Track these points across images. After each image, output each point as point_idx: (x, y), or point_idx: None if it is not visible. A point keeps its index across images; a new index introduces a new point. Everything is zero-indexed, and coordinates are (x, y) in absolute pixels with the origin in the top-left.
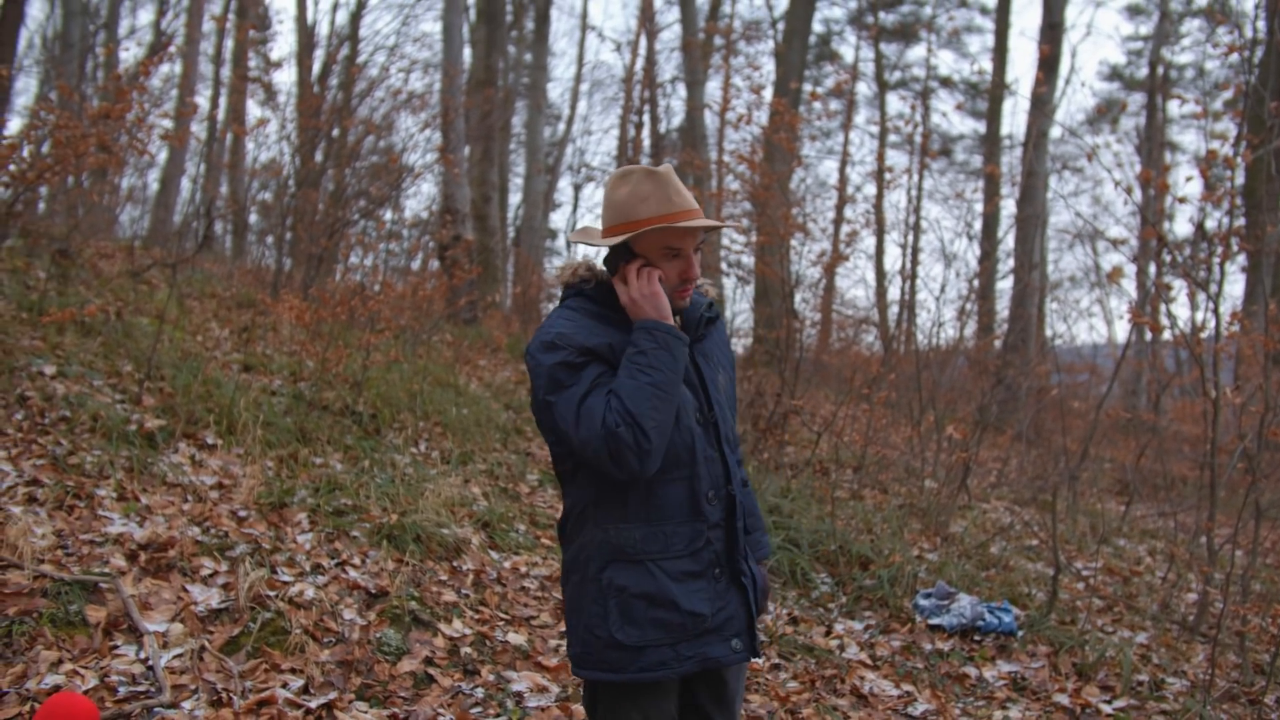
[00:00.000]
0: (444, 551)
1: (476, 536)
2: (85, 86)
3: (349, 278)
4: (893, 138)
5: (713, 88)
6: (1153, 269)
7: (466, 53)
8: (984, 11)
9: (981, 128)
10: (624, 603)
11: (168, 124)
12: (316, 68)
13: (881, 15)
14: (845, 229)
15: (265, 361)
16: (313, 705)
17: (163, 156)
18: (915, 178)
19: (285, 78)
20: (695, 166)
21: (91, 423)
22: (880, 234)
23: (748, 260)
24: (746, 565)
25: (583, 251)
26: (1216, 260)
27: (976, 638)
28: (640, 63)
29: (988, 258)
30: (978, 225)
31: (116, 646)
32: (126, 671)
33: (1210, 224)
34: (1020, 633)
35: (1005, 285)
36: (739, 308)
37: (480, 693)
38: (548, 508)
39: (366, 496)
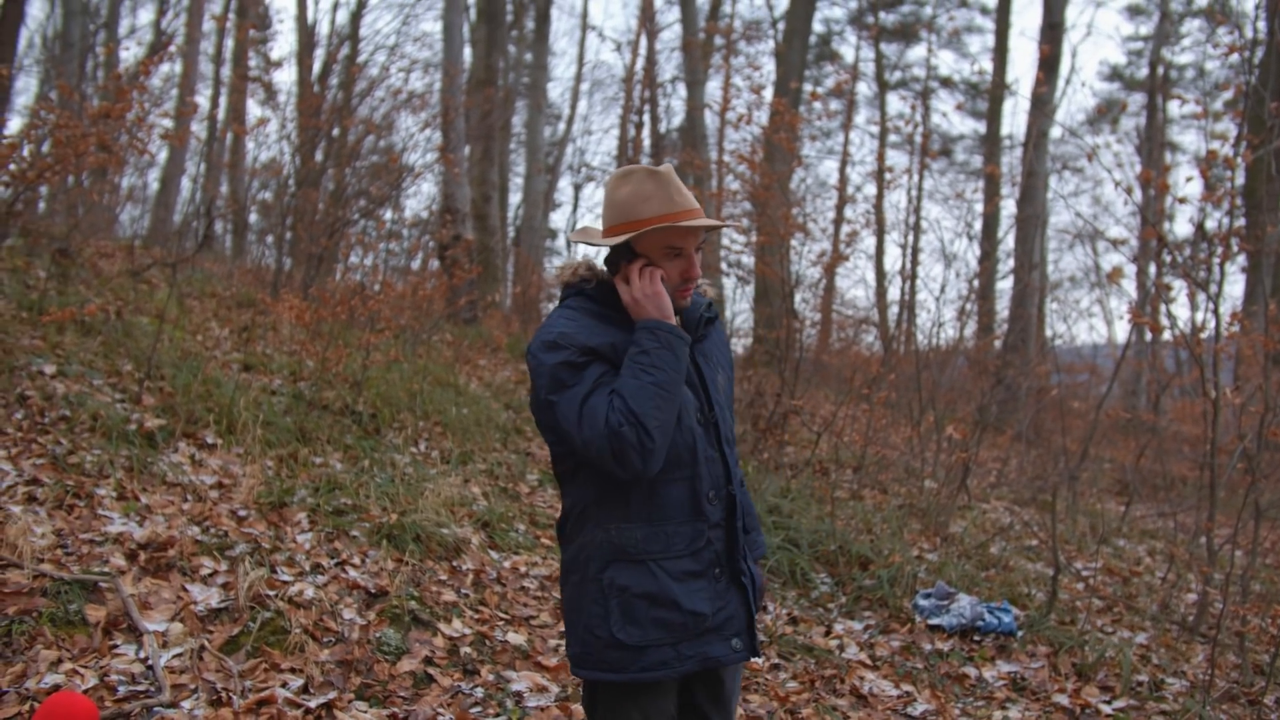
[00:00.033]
0: (444, 551)
1: (476, 536)
2: (85, 86)
3: (349, 277)
4: (893, 138)
5: (713, 88)
6: (1153, 269)
7: (467, 52)
8: (984, 11)
9: (982, 128)
10: (625, 602)
11: (168, 123)
12: (317, 67)
13: (882, 15)
14: (845, 229)
15: (265, 361)
16: (312, 705)
17: (163, 156)
18: (915, 178)
19: (285, 77)
20: (695, 166)
21: (91, 422)
22: (880, 234)
23: (748, 260)
24: (745, 565)
25: (583, 251)
26: (1216, 260)
27: (976, 638)
28: (640, 62)
29: (988, 258)
30: (978, 225)
31: (116, 646)
32: (126, 671)
33: (1210, 224)
34: (1020, 633)
35: (1005, 285)
36: (739, 308)
37: (480, 692)
38: (547, 507)
39: (366, 496)
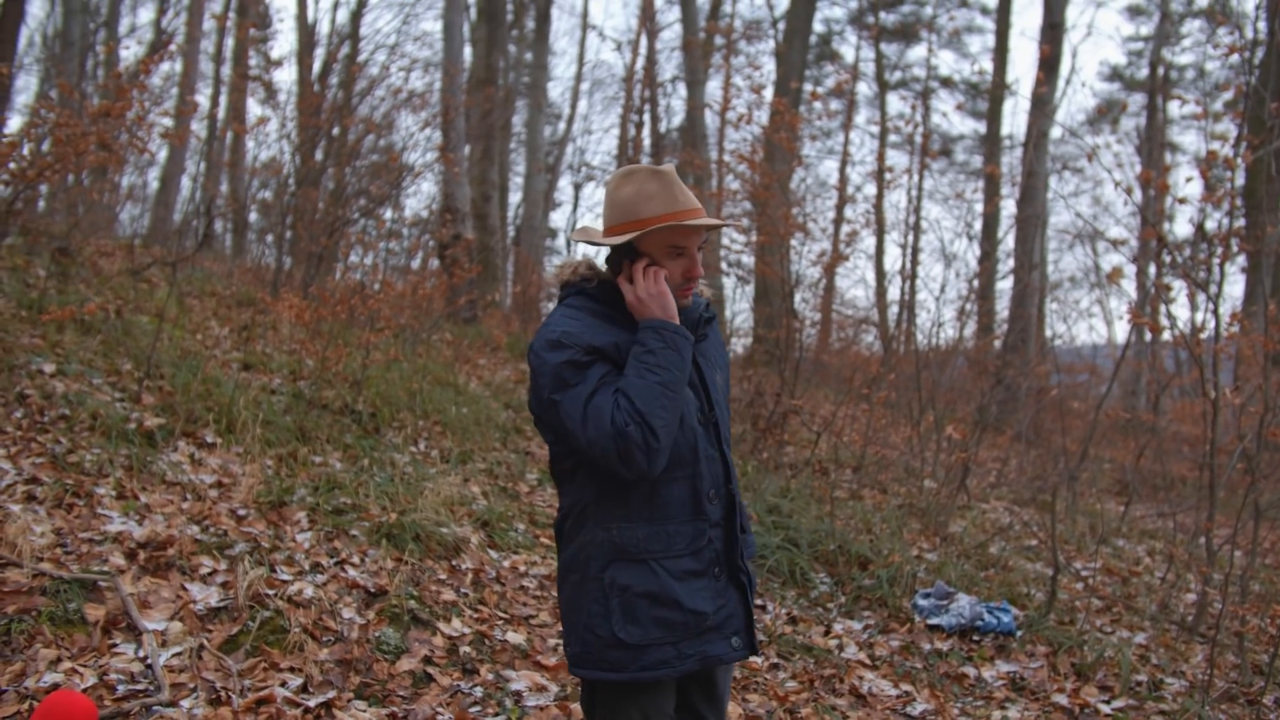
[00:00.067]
0: (443, 550)
1: (475, 535)
2: (85, 85)
3: (349, 276)
4: (893, 138)
5: (713, 87)
6: (1153, 270)
7: (467, 51)
8: (984, 12)
9: (982, 128)
10: (626, 602)
11: (168, 122)
12: (317, 66)
13: (882, 15)
14: (845, 229)
15: (265, 360)
16: (311, 704)
17: (163, 155)
18: (915, 178)
19: (285, 76)
20: (695, 166)
21: (91, 421)
22: (880, 234)
23: (748, 260)
24: (743, 563)
25: (582, 250)
26: (1216, 261)
27: (975, 638)
28: (641, 62)
29: (988, 258)
30: (978, 225)
31: (115, 645)
32: (125, 670)
33: (1210, 225)
34: (1019, 633)
35: (1005, 285)
36: (739, 307)
37: (479, 692)
38: (547, 507)
39: (366, 495)
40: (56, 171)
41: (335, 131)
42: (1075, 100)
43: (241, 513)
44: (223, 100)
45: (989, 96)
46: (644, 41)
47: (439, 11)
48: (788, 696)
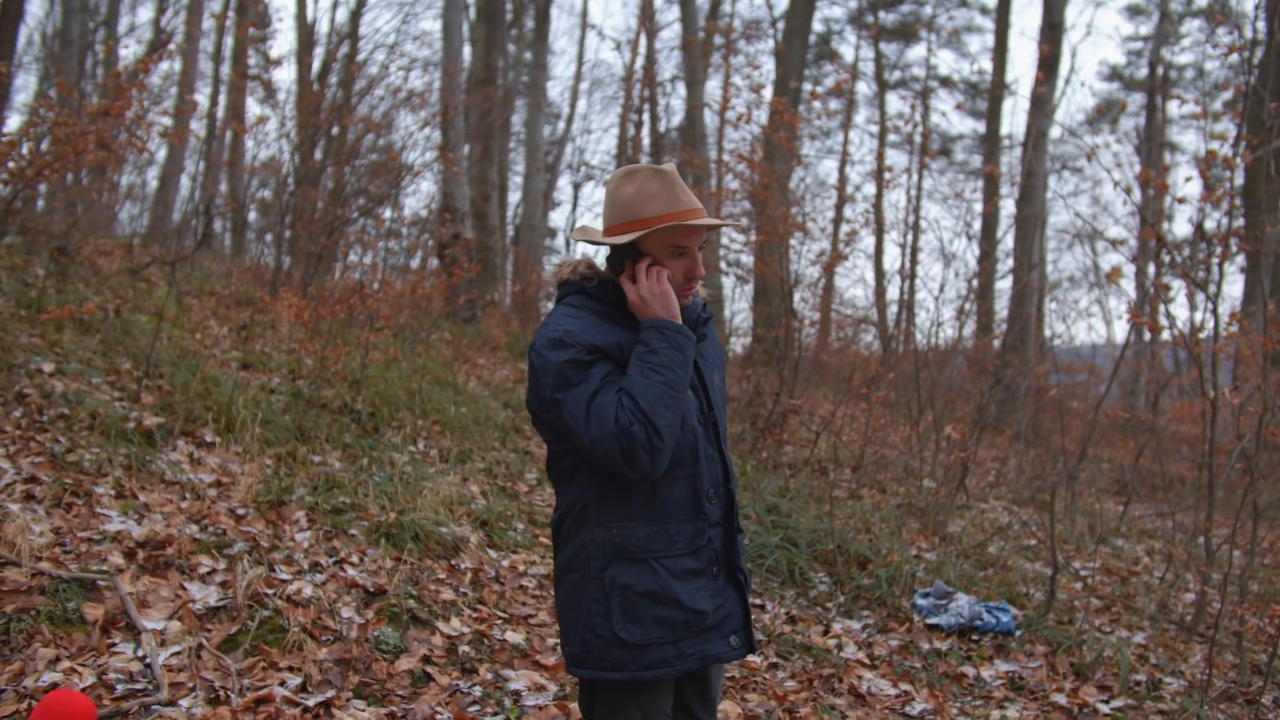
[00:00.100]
0: (442, 550)
1: (475, 535)
2: (84, 84)
3: (348, 276)
4: (892, 137)
5: (712, 87)
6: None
7: (466, 51)
8: (984, 11)
9: (981, 127)
10: (627, 601)
11: (167, 121)
12: (316, 65)
13: (881, 15)
14: (844, 228)
15: (264, 359)
16: (310, 703)
17: (162, 154)
18: (915, 177)
19: (285, 75)
20: (695, 165)
21: (90, 420)
22: (879, 233)
23: (747, 259)
24: (740, 562)
25: (581, 249)
26: (1215, 261)
27: (974, 637)
28: (640, 61)
29: (987, 258)
30: (977, 225)
31: (114, 644)
32: (124, 669)
33: (1209, 224)
34: (1018, 632)
35: (1004, 285)
36: (738, 307)
37: (478, 691)
38: (546, 506)
39: (365, 495)
40: (55, 170)
41: (334, 131)
42: (1074, 100)
43: (240, 512)
44: (222, 99)
45: (988, 96)
46: (643, 41)
47: (438, 11)
48: (787, 696)
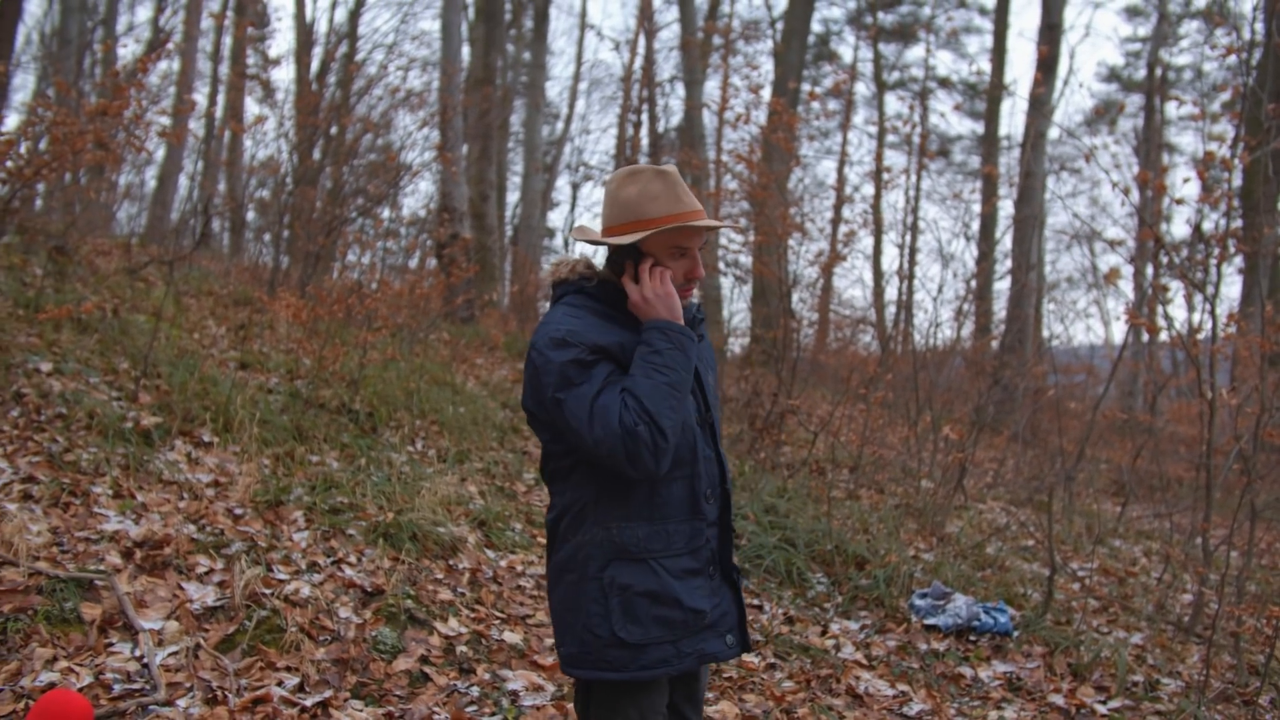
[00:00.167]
0: (440, 550)
1: (473, 535)
2: (83, 83)
3: (346, 275)
4: (891, 138)
5: (711, 87)
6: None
7: (465, 51)
8: (983, 12)
9: (980, 128)
10: (627, 601)
11: (165, 121)
12: (315, 65)
13: (880, 15)
14: (843, 229)
15: (262, 359)
16: (308, 703)
17: (160, 154)
18: (913, 178)
19: (283, 75)
20: (693, 166)
21: (88, 420)
22: (878, 234)
23: (745, 260)
24: (734, 562)
25: (579, 249)
26: (1213, 262)
27: (972, 638)
28: (639, 62)
29: (985, 258)
30: (975, 226)
31: (111, 644)
32: (121, 669)
33: (1207, 225)
34: (1016, 633)
35: (1002, 286)
36: (736, 307)
37: (476, 691)
38: (544, 506)
39: (363, 495)
40: (53, 170)
41: (333, 130)
42: (1073, 101)
43: (238, 512)
44: (220, 99)
45: (987, 97)
46: (642, 41)
47: (437, 10)
48: (784, 696)
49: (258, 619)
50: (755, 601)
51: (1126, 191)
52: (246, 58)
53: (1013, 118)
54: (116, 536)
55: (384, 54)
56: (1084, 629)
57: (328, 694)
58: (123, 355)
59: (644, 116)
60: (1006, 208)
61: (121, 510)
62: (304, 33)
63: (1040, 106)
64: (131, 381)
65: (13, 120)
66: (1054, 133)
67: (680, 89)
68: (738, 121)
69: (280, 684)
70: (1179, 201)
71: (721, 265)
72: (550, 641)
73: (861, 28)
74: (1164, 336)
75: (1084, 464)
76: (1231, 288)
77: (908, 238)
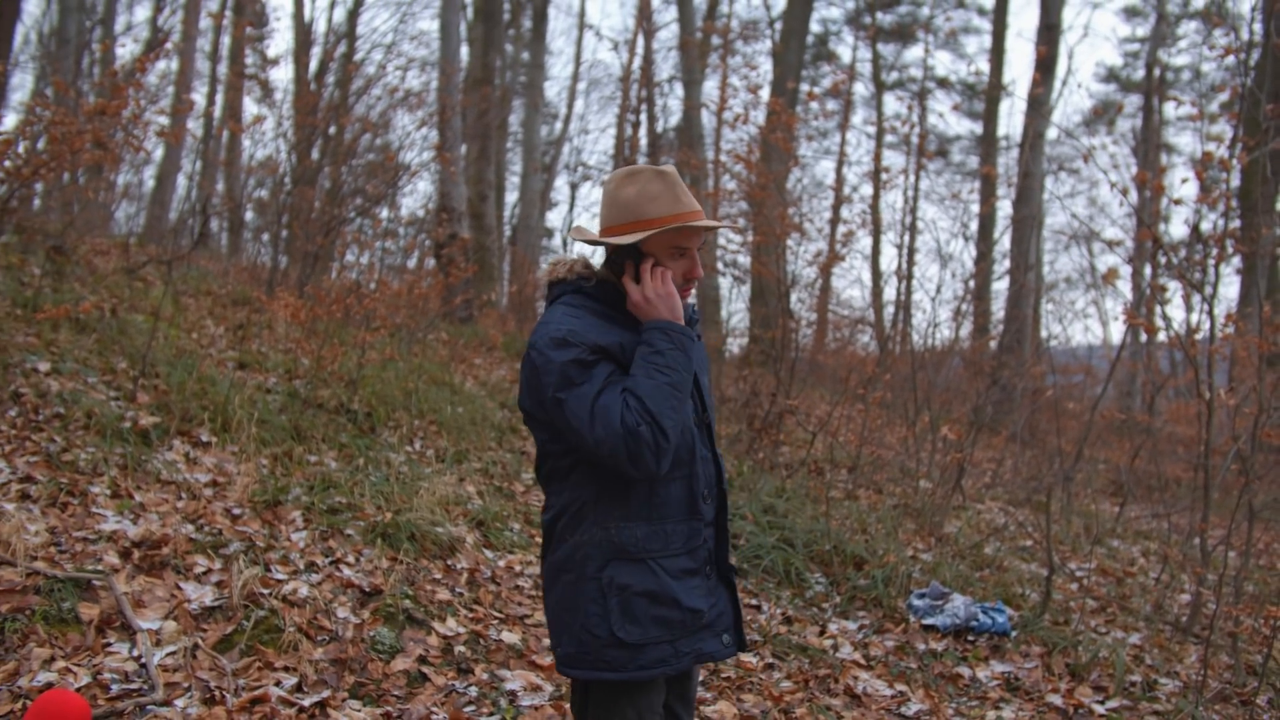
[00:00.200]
0: (438, 550)
1: (471, 535)
2: (81, 83)
3: (345, 275)
4: (889, 138)
5: (710, 87)
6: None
7: (464, 51)
8: (981, 13)
9: (978, 129)
10: (625, 601)
11: (164, 121)
12: (313, 65)
13: (879, 16)
14: (841, 229)
15: (260, 359)
16: (306, 703)
17: (159, 153)
18: (912, 178)
19: (282, 75)
20: (692, 166)
21: (86, 420)
22: (876, 234)
23: (744, 260)
24: (729, 562)
25: (577, 249)
26: (1211, 262)
27: (970, 638)
28: (638, 62)
29: (984, 258)
30: (974, 226)
31: (109, 644)
32: (119, 669)
33: (1205, 226)
34: (1014, 633)
35: (1001, 286)
36: (735, 307)
37: (474, 691)
38: (542, 506)
39: (361, 495)
40: (52, 169)
41: (332, 130)
42: (1071, 101)
43: (236, 512)
44: (219, 99)
45: (985, 97)
46: (641, 41)
47: (436, 10)
48: (782, 696)
49: (256, 619)
50: (753, 601)
51: (1125, 192)
52: (245, 57)
53: (1011, 118)
54: (114, 536)
55: (382, 54)
56: (1082, 629)
57: (326, 694)
58: (121, 355)
59: (642, 116)
60: (1005, 208)
61: (119, 510)
62: (302, 32)
63: (1039, 107)
64: (130, 381)
65: (11, 120)
66: (1052, 133)
67: (679, 89)
68: (736, 121)
69: (278, 684)
70: (1177, 202)
71: (720, 265)
72: (548, 641)
73: (860, 28)
74: (1162, 337)
75: (1082, 464)
76: (1229, 288)
77: (906, 238)
